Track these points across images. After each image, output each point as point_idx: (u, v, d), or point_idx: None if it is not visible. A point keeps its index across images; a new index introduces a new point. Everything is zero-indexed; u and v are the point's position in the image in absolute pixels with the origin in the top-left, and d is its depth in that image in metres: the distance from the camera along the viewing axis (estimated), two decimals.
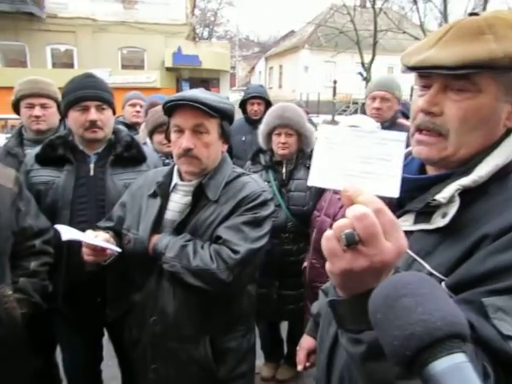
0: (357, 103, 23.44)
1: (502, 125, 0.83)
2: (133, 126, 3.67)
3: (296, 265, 2.38)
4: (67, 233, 1.46)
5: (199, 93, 1.51)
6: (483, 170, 0.80)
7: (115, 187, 1.92)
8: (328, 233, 0.61)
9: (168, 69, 16.78)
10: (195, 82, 16.32)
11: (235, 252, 1.45)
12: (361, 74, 17.39)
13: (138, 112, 3.77)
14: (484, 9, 14.44)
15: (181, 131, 1.50)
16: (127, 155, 1.99)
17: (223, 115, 1.54)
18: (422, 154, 0.88)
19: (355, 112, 21.93)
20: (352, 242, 0.58)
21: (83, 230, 1.54)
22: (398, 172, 0.66)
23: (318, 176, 0.69)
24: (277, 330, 2.97)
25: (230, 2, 34.73)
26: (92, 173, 1.93)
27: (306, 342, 1.40)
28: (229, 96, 15.70)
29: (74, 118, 1.88)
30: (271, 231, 1.61)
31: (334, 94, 20.28)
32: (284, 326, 2.99)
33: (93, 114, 1.86)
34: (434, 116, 0.83)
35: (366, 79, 17.05)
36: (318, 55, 26.07)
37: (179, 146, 1.50)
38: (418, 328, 0.50)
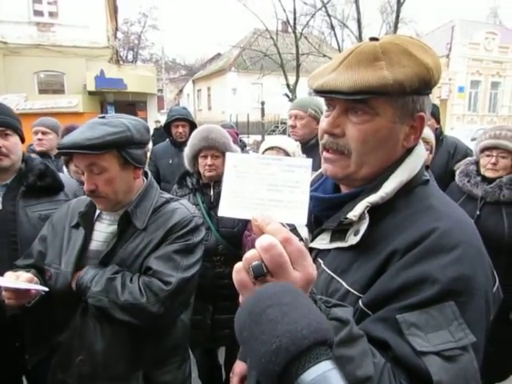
0: (285, 123, 24.23)
1: (401, 145, 0.88)
2: (47, 154, 3.37)
3: (229, 288, 2.30)
4: None
5: (81, 133, 1.37)
6: (389, 186, 0.84)
7: (29, 220, 1.78)
8: (238, 265, 0.60)
9: (91, 93, 16.09)
10: (121, 106, 15.81)
11: (166, 283, 1.40)
12: (287, 95, 18.07)
13: (40, 140, 3.40)
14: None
15: (82, 171, 1.44)
16: (41, 184, 1.85)
17: (118, 145, 1.40)
18: (328, 171, 0.91)
19: (284, 131, 22.71)
20: (260, 274, 0.56)
21: None
22: (305, 198, 0.65)
23: (227, 205, 0.67)
24: (214, 357, 2.88)
25: (154, 25, 34.69)
26: (0, 207, 1.77)
27: (239, 367, 1.37)
28: (159, 119, 15.37)
29: None
30: (202, 255, 1.57)
31: (263, 114, 20.81)
32: (222, 352, 2.91)
33: None
34: (337, 137, 0.87)
35: (292, 100, 17.76)
36: (245, 77, 26.71)
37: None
38: (284, 340, 0.48)
